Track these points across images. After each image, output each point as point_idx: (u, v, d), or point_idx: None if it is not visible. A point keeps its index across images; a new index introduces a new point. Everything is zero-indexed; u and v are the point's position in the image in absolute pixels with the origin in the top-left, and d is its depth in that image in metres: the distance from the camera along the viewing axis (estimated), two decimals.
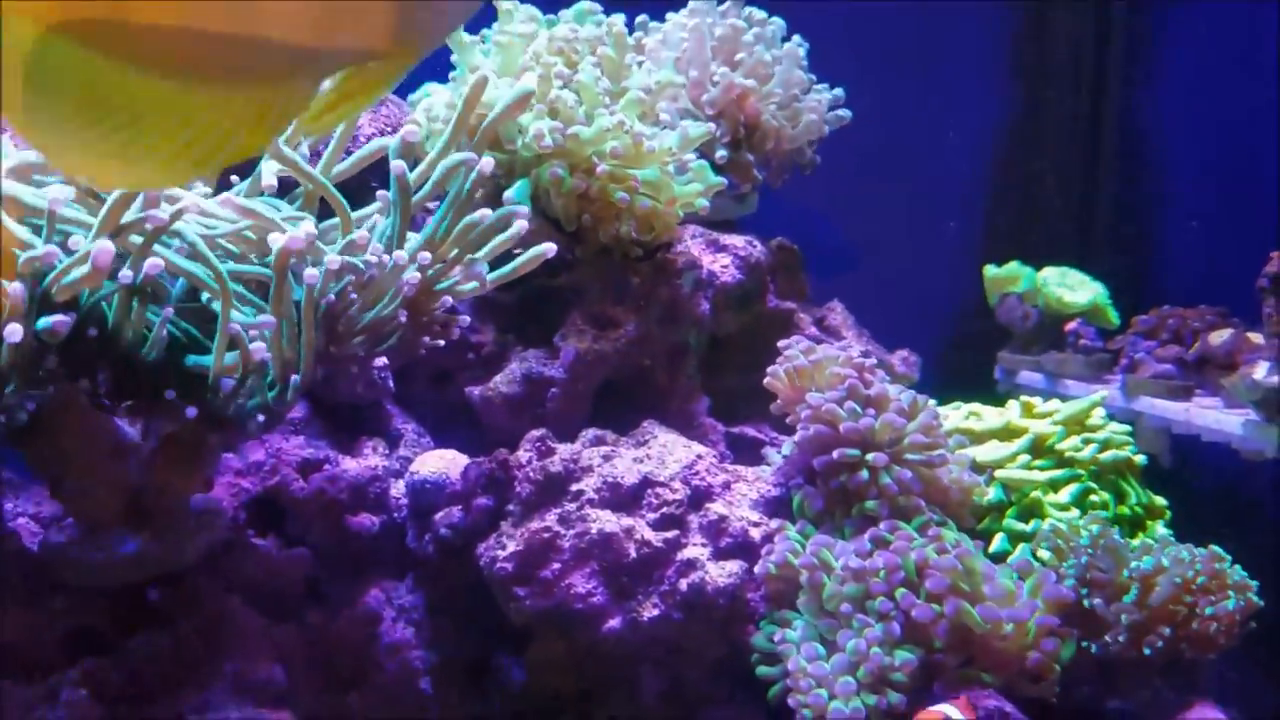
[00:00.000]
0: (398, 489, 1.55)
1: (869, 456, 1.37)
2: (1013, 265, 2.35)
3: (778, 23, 1.88)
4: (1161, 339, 1.97)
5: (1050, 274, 2.27)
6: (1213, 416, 1.70)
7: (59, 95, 0.55)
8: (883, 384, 1.43)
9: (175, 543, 1.28)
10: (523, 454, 1.48)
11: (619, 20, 1.66)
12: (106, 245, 1.04)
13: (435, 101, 1.65)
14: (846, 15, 2.51)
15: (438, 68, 1.73)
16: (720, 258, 1.78)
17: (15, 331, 1.02)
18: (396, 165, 1.26)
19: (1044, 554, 1.42)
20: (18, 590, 1.19)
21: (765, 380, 1.49)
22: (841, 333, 1.93)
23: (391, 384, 1.62)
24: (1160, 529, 1.59)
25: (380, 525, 1.51)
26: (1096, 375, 2.11)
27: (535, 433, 1.51)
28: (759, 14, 1.87)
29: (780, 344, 1.51)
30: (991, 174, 2.90)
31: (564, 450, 1.49)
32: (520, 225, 1.32)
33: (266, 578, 1.41)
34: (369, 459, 1.53)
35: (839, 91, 1.93)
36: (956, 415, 1.65)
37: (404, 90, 1.77)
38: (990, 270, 2.36)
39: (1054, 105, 2.94)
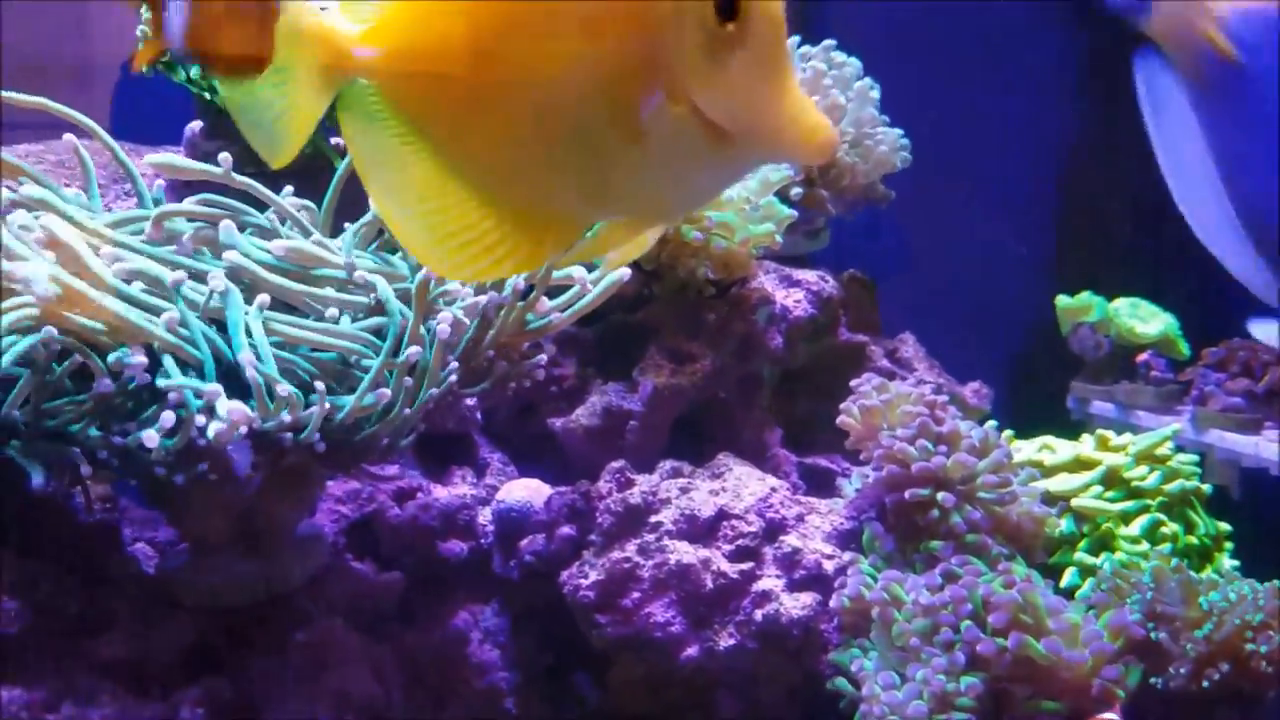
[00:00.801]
0: (484, 516, 1.63)
1: (939, 496, 1.42)
2: (1085, 295, 2.37)
3: (854, 64, 1.93)
4: (1231, 371, 1.98)
5: (1122, 305, 2.29)
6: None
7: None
8: (955, 420, 1.48)
9: (282, 567, 1.38)
10: (603, 485, 1.55)
11: None
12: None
13: None
14: (915, 34, 2.55)
15: None
16: (793, 292, 1.84)
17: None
18: None
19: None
20: (137, 611, 1.29)
21: (839, 419, 1.54)
22: (914, 365, 1.97)
23: (479, 416, 1.71)
24: (1225, 560, 1.61)
25: (468, 550, 1.59)
26: (1167, 406, 2.12)
27: (615, 464, 1.58)
28: (839, 56, 1.92)
29: (853, 382, 1.56)
30: (1063, 200, 2.91)
31: (643, 482, 1.55)
32: (622, 274, 1.39)
33: (364, 600, 1.49)
34: (458, 487, 1.62)
35: (900, 133, 1.98)
36: (1029, 448, 1.68)
37: None
38: (1063, 300, 2.38)
39: (1130, 128, 2.94)
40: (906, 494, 1.42)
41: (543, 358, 1.45)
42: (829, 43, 1.93)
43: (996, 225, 2.80)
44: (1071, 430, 2.38)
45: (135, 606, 1.30)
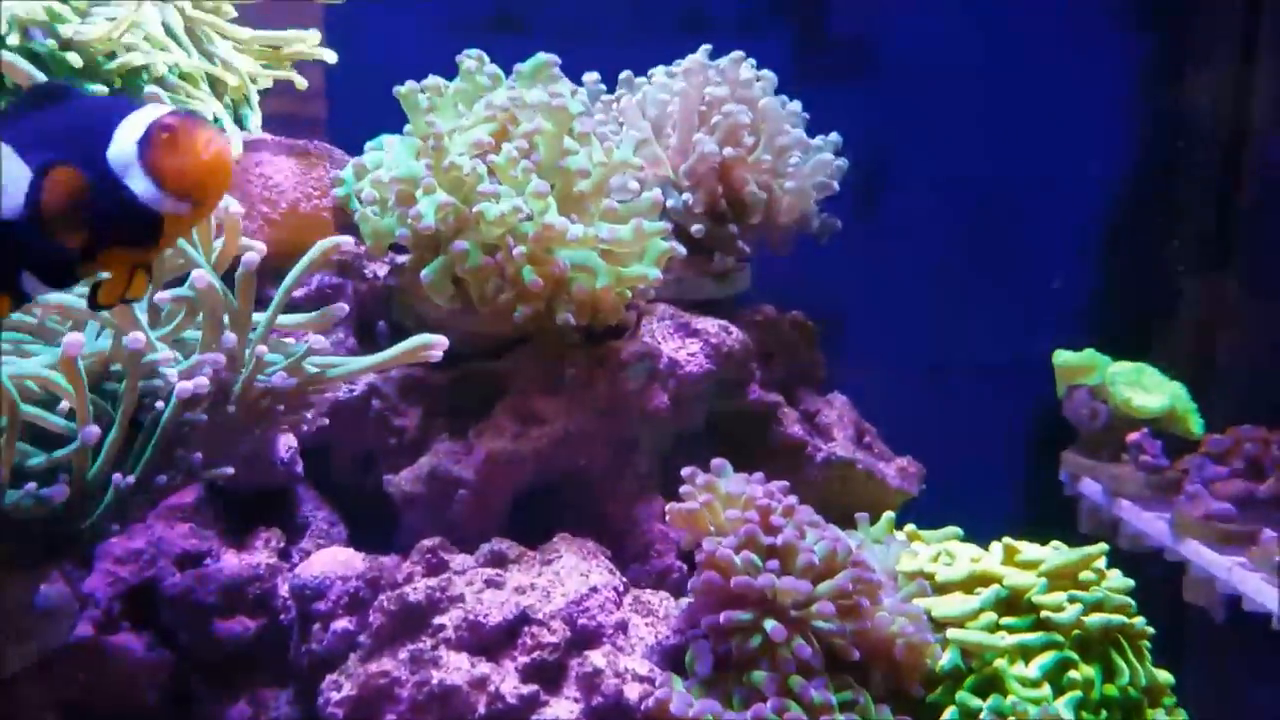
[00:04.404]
0: (288, 588, 1.43)
1: (766, 625, 1.16)
2: (1088, 353, 2.04)
3: (767, 78, 1.66)
4: (1233, 466, 1.65)
5: (1121, 370, 1.95)
6: (1255, 582, 1.38)
7: None
8: (795, 530, 1.21)
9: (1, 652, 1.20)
10: (406, 568, 1.34)
11: (564, 91, 1.49)
12: None
13: (381, 173, 1.51)
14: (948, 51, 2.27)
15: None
16: (688, 344, 1.58)
17: None
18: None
19: None
20: None
21: (667, 516, 1.30)
22: (833, 433, 1.69)
23: (299, 469, 1.51)
24: (1161, 718, 1.30)
25: (261, 628, 1.40)
26: (1157, 498, 1.78)
27: (427, 542, 1.36)
28: (747, 71, 1.65)
29: (683, 471, 1.31)
30: (1102, 233, 2.56)
31: (457, 564, 1.34)
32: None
33: (119, 682, 1.31)
34: (256, 554, 1.42)
35: (835, 137, 1.70)
36: (925, 554, 1.40)
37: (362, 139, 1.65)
38: (1061, 356, 2.05)
39: (1184, 158, 2.56)
40: (722, 617, 1.16)
41: (308, 414, 1.25)
42: (737, 55, 1.65)
43: (1018, 255, 2.48)
44: (1065, 510, 2.07)
45: None
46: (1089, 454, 1.99)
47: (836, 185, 1.71)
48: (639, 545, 1.52)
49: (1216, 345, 2.41)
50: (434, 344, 1.27)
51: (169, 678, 1.36)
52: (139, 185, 0.90)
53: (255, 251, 1.17)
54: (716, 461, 1.33)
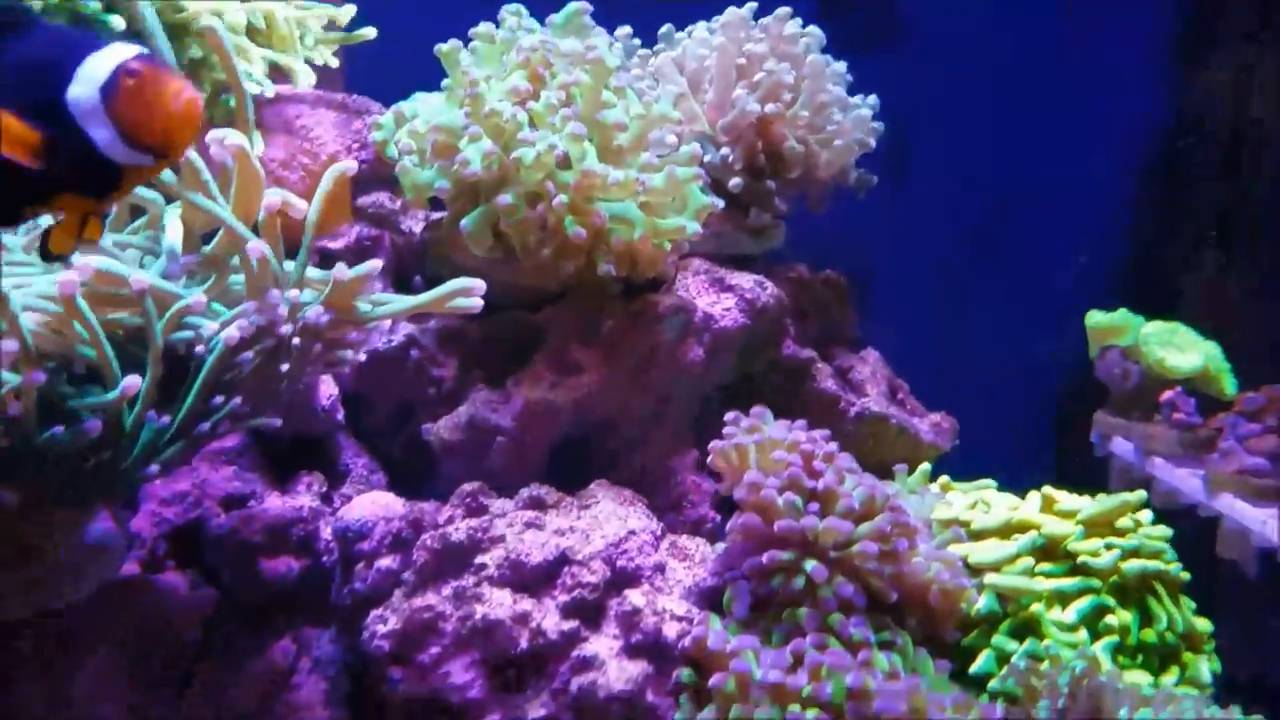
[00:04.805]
0: (330, 531, 1.45)
1: (807, 565, 1.17)
2: (1121, 313, 2.03)
3: (814, 35, 1.66)
4: (1266, 423, 1.64)
5: (1154, 330, 1.94)
6: None
7: None
8: (835, 475, 1.22)
9: (51, 581, 1.23)
10: (447, 511, 1.35)
11: (601, 45, 1.49)
12: None
13: (418, 123, 1.52)
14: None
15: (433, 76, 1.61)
16: (723, 299, 1.59)
17: None
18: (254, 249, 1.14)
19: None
20: None
21: (709, 460, 1.31)
22: (866, 389, 1.70)
23: (340, 416, 1.53)
24: (1202, 665, 1.31)
25: (305, 569, 1.42)
26: (1190, 456, 1.78)
27: (468, 487, 1.38)
28: (793, 27, 1.66)
29: (727, 416, 1.32)
30: (1128, 201, 2.55)
31: (496, 508, 1.35)
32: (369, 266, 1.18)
33: (166, 618, 1.33)
34: (299, 498, 1.44)
35: (873, 99, 1.70)
36: (960, 503, 1.41)
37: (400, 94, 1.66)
38: (1094, 317, 2.04)
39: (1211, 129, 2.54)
40: (765, 557, 1.18)
41: (349, 354, 1.26)
42: (783, 11, 1.66)
43: (1049, 223, 2.47)
44: (1099, 469, 2.07)
45: None
46: (1121, 414, 1.98)
47: (873, 143, 1.72)
48: (673, 496, 1.53)
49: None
50: (473, 288, 1.28)
51: (214, 615, 1.38)
52: (100, 134, 0.83)
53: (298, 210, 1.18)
54: (757, 409, 1.34)
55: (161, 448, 1.17)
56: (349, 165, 1.20)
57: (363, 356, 1.43)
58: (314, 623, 1.43)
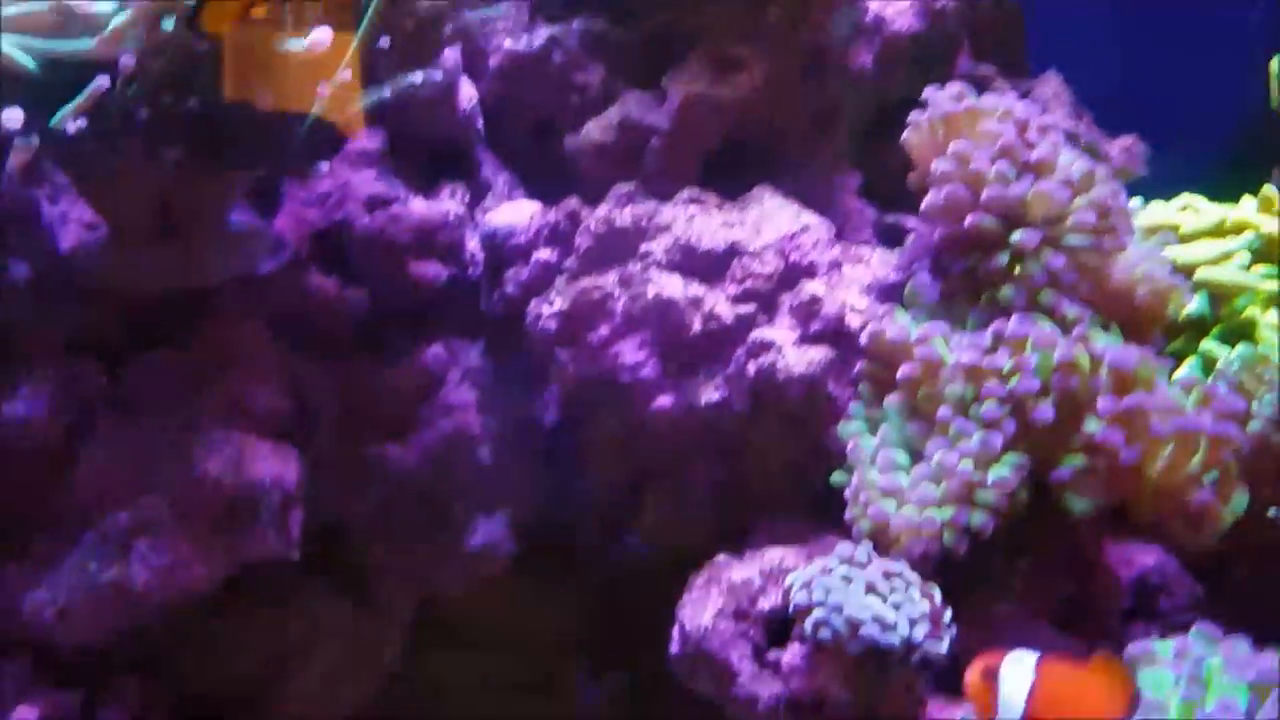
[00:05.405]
0: (476, 243, 1.38)
1: (1015, 235, 1.06)
2: None
3: None
4: None
5: None
6: None
7: None
8: (1051, 146, 1.10)
9: (201, 257, 1.18)
10: (602, 209, 1.27)
11: None
12: None
13: None
14: None
15: None
16: (896, 1, 1.45)
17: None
18: None
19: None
20: (33, 285, 1.13)
21: (903, 136, 1.19)
22: (1050, 109, 1.56)
23: (480, 124, 1.44)
24: None
25: (452, 278, 1.36)
26: None
27: (623, 186, 1.29)
28: None
29: (927, 90, 1.19)
30: None
31: (654, 205, 1.26)
32: None
33: (312, 313, 1.29)
34: (444, 203, 1.37)
35: None
36: (1169, 208, 1.28)
37: None
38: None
39: None
40: (967, 220, 1.07)
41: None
42: None
43: None
44: None
45: (41, 281, 1.15)
46: None
47: None
48: (837, 219, 1.42)
49: None
50: None
51: (363, 319, 1.33)
52: None
53: None
54: (955, 85, 1.21)
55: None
56: None
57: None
58: (463, 335, 1.38)
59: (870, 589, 0.95)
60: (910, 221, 1.44)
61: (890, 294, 1.18)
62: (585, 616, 1.50)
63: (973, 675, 0.85)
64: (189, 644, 1.18)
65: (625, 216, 1.19)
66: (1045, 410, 0.97)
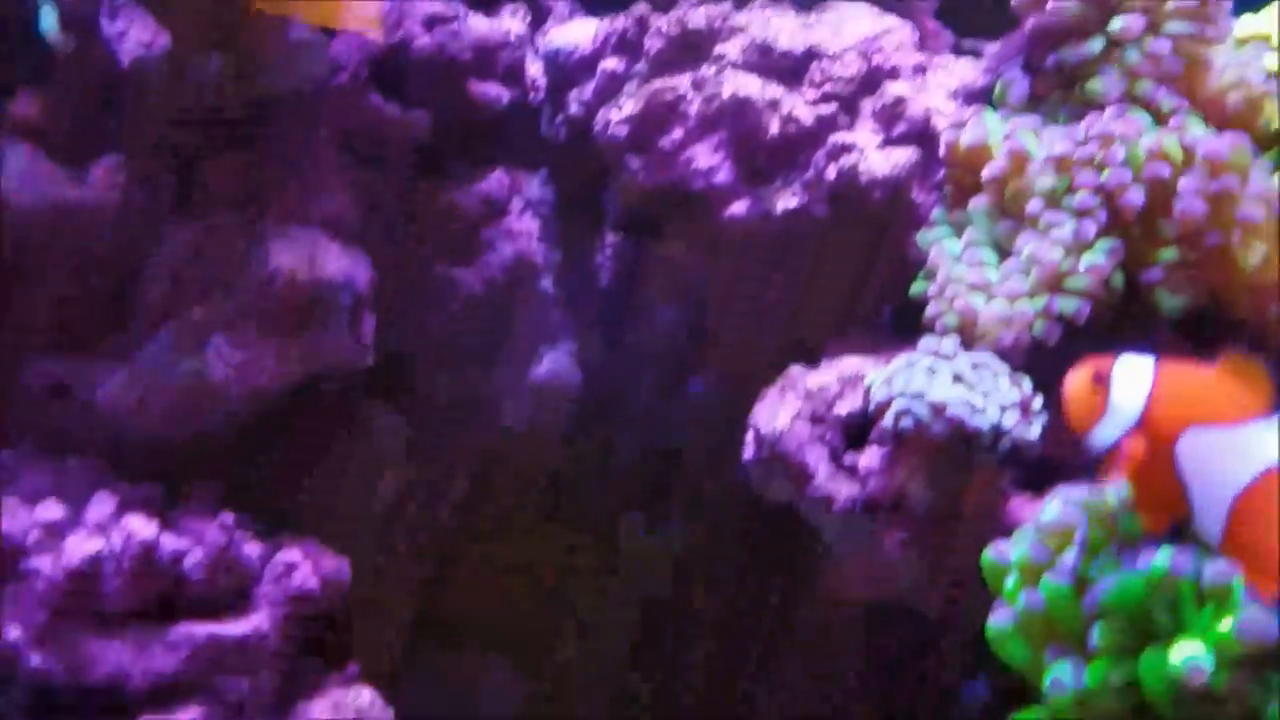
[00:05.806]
0: (537, 68, 1.34)
1: (1115, 22, 1.01)
2: None
3: None
4: None
5: None
6: None
7: None
8: None
9: (263, 68, 1.15)
10: (673, 12, 1.22)
11: None
12: None
13: None
14: None
15: None
16: None
17: None
18: None
19: None
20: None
21: None
22: None
23: None
24: None
25: (513, 102, 1.32)
26: None
27: None
28: None
29: None
30: None
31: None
32: None
33: (374, 134, 1.26)
34: (504, 21, 1.33)
35: None
36: (1257, 19, 1.21)
37: None
38: None
39: None
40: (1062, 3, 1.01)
41: None
42: None
43: None
44: None
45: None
46: None
47: None
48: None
49: None
50: None
51: (425, 143, 1.30)
52: None
53: None
54: None
55: None
56: None
57: None
58: (524, 163, 1.34)
59: (957, 379, 0.92)
60: (989, 48, 1.39)
61: (977, 99, 1.13)
62: (643, 471, 1.48)
63: (1076, 379, 0.72)
64: (252, 460, 1.17)
65: (699, 16, 1.14)
66: (1135, 195, 0.92)
